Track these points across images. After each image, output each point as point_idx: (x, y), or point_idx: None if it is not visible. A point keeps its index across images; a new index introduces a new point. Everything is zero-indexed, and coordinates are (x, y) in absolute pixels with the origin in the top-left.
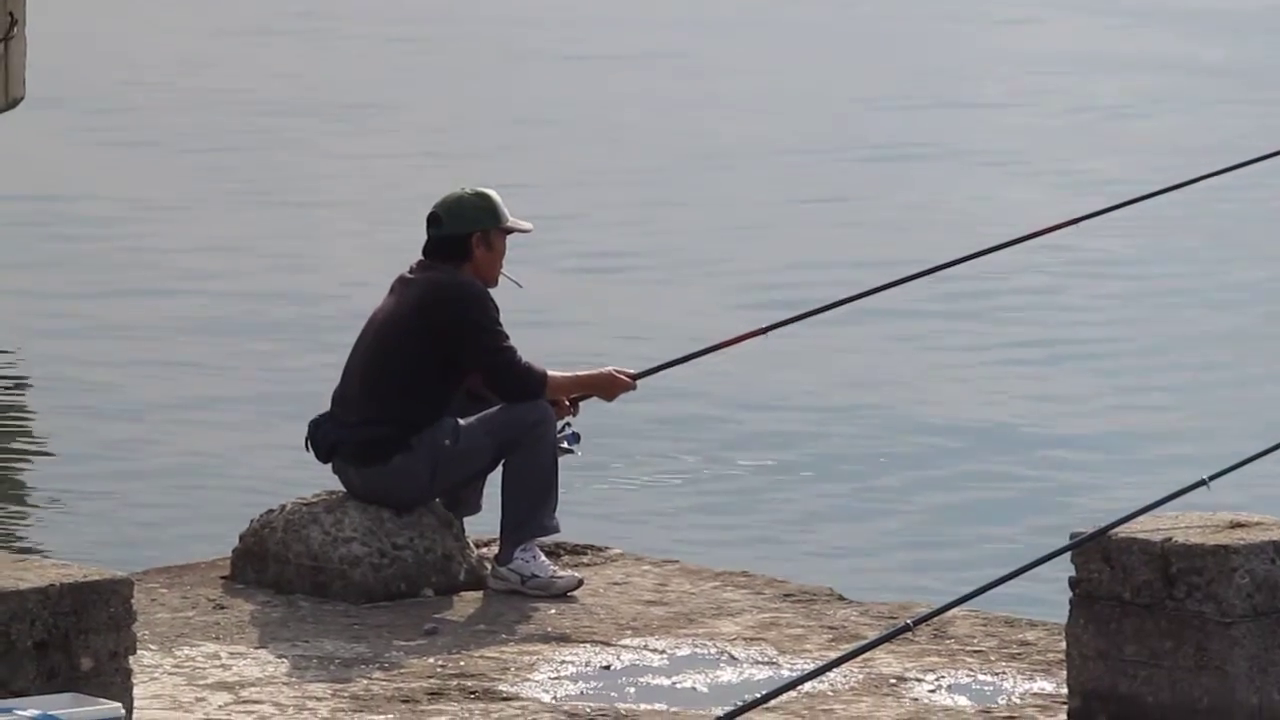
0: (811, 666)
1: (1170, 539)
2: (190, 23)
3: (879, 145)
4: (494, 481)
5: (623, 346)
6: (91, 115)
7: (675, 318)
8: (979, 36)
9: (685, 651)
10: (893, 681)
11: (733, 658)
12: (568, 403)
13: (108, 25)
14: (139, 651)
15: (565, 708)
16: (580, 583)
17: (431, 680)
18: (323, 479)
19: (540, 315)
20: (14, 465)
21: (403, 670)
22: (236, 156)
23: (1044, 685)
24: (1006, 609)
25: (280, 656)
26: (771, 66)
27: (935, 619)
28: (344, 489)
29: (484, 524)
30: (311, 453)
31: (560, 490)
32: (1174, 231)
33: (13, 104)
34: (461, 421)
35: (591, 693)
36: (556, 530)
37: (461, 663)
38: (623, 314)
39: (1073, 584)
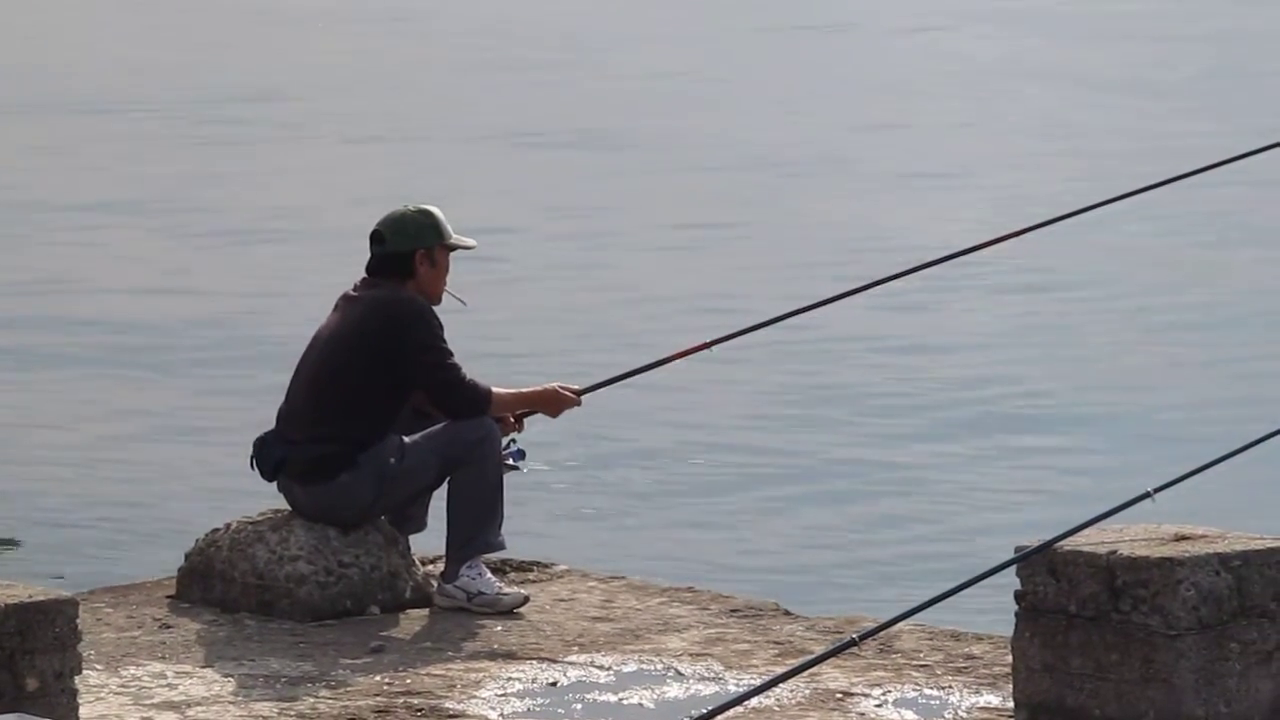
0: (758, 682)
1: (1115, 551)
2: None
3: (818, 160)
4: (440, 498)
5: (567, 362)
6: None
7: (620, 332)
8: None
9: (632, 668)
10: (839, 696)
11: (679, 673)
12: (513, 419)
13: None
14: (84, 671)
15: None
16: (526, 599)
17: (378, 698)
18: (268, 497)
19: (484, 331)
20: None
21: (349, 688)
22: (173, 171)
23: (990, 699)
24: (952, 623)
25: (226, 675)
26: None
27: (881, 633)
28: (289, 507)
29: (430, 541)
30: (257, 471)
31: (506, 507)
32: (1118, 244)
33: None
34: (407, 439)
35: (538, 709)
36: (502, 547)
37: (408, 680)
38: (567, 329)
39: (1018, 597)
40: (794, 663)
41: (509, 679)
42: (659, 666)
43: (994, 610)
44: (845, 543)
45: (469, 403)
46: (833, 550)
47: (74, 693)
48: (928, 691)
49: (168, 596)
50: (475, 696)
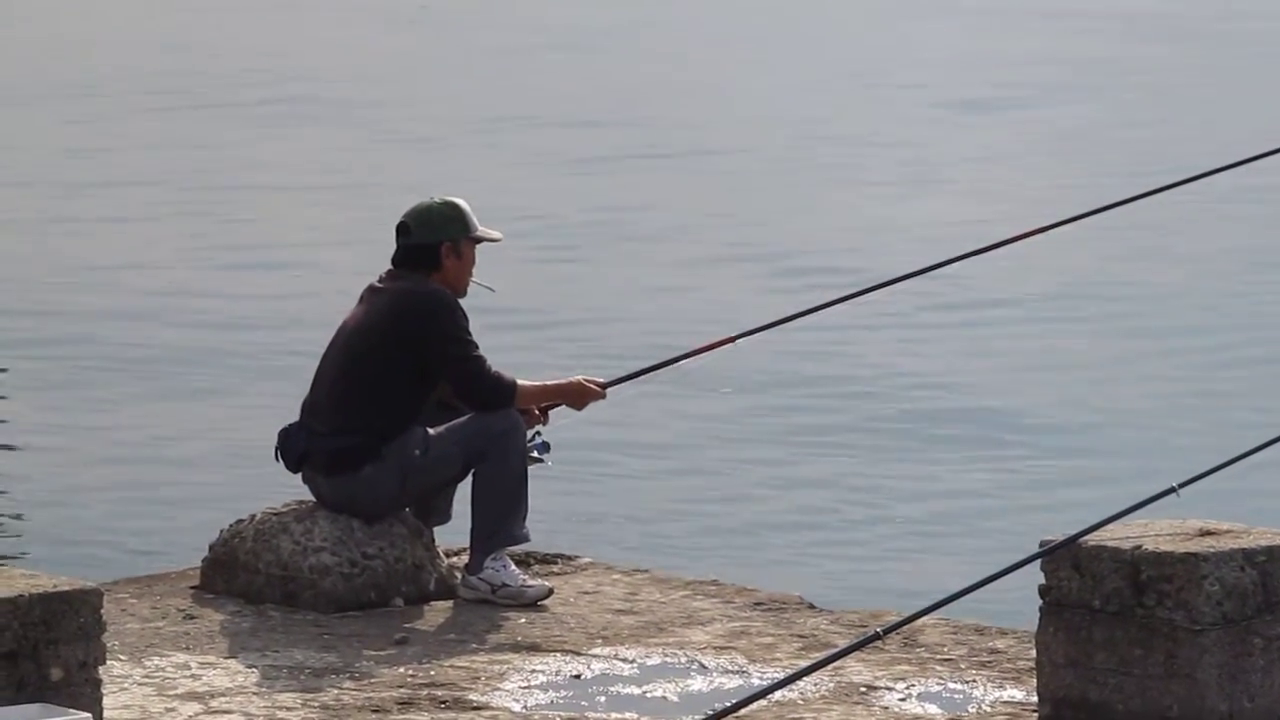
0: (781, 675)
1: (1140, 547)
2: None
3: (835, 152)
4: (464, 491)
5: (592, 355)
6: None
7: (645, 326)
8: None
9: (655, 660)
10: (863, 690)
11: (703, 666)
12: (537, 412)
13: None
14: (109, 662)
15: (535, 717)
16: (550, 592)
17: (402, 690)
18: (293, 488)
19: (510, 321)
20: None
21: (373, 680)
22: (198, 161)
23: (1014, 693)
24: (976, 617)
25: (250, 666)
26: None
27: (905, 627)
28: (314, 498)
29: (454, 533)
30: (281, 462)
31: (530, 499)
32: (1141, 242)
33: None
34: (431, 431)
35: (562, 702)
36: (526, 539)
37: (432, 672)
38: (592, 323)
39: (1043, 592)
40: (818, 656)
41: (533, 671)
42: (683, 660)
43: (1018, 605)
44: (870, 537)
45: (494, 395)
46: (857, 544)
47: (98, 683)
48: (952, 685)
49: (192, 587)
50: (499, 689)
